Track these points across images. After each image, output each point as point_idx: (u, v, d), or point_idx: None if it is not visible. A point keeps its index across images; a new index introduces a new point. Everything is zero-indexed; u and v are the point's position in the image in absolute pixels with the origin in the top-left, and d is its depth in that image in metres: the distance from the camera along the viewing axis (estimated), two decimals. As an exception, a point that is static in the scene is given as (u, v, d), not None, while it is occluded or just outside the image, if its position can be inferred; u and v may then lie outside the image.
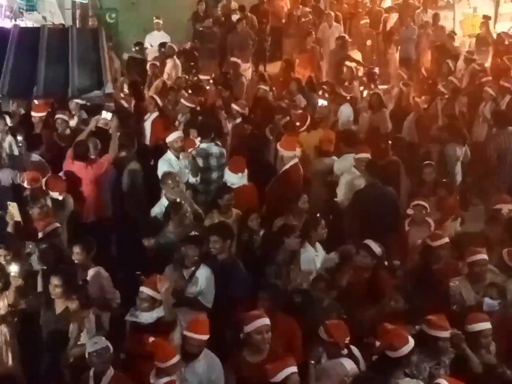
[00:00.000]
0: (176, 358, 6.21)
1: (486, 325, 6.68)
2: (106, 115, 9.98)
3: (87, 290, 7.26)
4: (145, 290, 6.85)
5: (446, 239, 8.10)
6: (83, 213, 9.45)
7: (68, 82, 12.40)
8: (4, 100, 11.78)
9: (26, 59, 12.67)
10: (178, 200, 8.80)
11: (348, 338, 6.44)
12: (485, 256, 7.69)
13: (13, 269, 7.27)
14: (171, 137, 9.90)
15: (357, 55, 16.08)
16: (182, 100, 11.85)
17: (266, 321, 6.38)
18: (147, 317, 6.80)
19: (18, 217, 8.10)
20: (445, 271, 7.89)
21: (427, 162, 10.13)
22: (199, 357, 6.46)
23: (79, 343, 6.85)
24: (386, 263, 8.16)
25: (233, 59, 14.86)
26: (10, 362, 7.25)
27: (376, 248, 7.75)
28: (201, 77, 13.21)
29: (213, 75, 13.36)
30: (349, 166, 9.92)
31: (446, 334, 6.46)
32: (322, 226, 8.47)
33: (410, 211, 9.12)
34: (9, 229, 8.12)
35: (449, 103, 12.50)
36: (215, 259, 7.82)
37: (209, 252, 7.83)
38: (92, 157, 9.84)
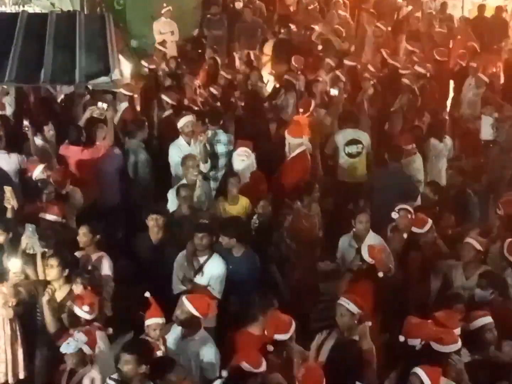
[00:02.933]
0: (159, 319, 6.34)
1: (487, 319, 6.58)
2: (102, 105, 9.99)
3: (94, 277, 7.22)
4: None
5: (430, 222, 8.10)
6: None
7: (75, 68, 12.40)
8: (12, 86, 11.79)
9: (33, 45, 12.67)
10: (198, 182, 8.83)
11: None
12: (475, 243, 7.72)
13: (13, 265, 7.02)
14: (181, 122, 9.84)
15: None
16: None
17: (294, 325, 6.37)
18: None
19: (14, 202, 8.08)
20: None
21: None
22: (194, 336, 6.47)
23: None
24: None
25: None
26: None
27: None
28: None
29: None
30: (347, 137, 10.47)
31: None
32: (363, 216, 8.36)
33: (394, 215, 8.34)
34: (8, 213, 8.10)
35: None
36: (228, 250, 7.80)
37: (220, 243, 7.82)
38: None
